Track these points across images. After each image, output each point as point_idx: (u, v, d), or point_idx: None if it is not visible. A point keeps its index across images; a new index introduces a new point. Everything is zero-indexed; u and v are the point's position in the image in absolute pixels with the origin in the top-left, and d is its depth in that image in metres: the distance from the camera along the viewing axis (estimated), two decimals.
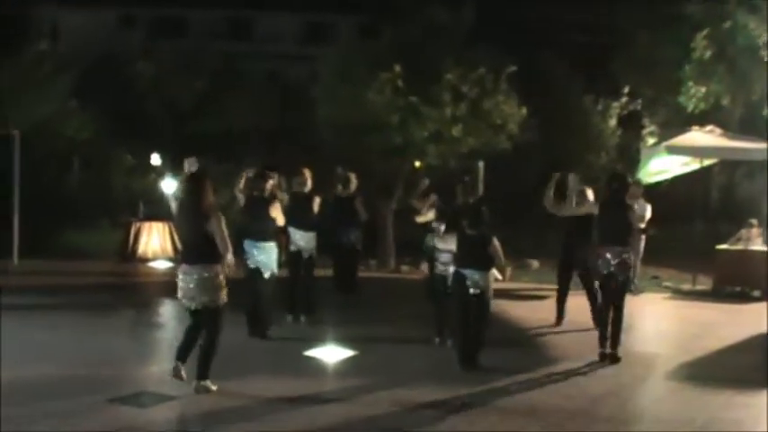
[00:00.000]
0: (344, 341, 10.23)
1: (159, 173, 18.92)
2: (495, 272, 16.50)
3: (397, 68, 17.86)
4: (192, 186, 8.15)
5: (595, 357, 9.77)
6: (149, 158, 19.73)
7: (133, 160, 22.30)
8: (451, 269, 9.56)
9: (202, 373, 7.98)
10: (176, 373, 8.01)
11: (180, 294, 8.01)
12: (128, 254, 18.89)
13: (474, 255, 9.26)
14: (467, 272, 9.21)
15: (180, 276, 7.99)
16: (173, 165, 17.30)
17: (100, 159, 22.59)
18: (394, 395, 8.17)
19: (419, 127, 18.31)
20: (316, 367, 9.40)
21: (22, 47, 20.63)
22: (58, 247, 19.06)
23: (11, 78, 18.96)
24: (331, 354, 9.82)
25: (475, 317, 9.27)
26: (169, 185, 16.62)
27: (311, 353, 9.81)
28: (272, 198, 10.67)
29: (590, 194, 11.45)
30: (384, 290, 15.81)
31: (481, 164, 16.36)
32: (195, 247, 7.97)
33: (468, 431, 7.16)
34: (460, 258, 9.37)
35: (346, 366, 9.47)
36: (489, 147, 18.69)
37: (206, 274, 7.88)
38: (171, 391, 7.98)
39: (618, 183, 10.08)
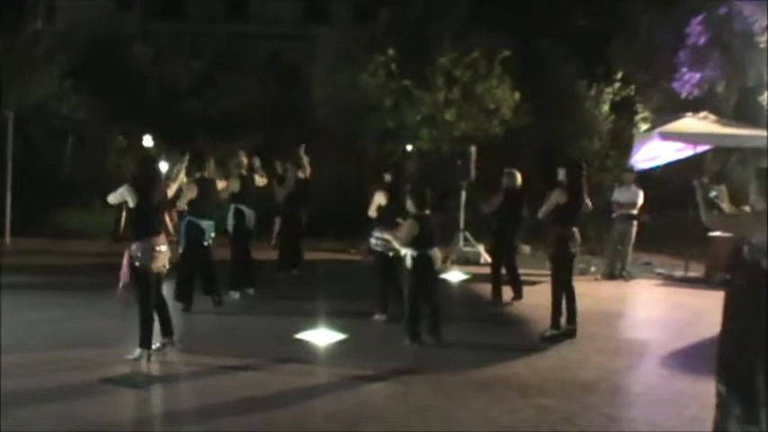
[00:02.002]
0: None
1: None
2: (485, 254, 16.65)
3: (391, 52, 17.82)
4: (145, 169, 8.63)
5: (590, 341, 9.83)
6: (142, 140, 19.71)
7: (125, 141, 22.23)
8: (410, 251, 9.53)
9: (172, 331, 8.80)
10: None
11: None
12: (120, 234, 18.84)
13: (434, 236, 9.61)
14: (432, 252, 9.51)
15: (141, 252, 8.35)
16: (168, 146, 17.25)
17: (93, 140, 22.50)
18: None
19: (412, 110, 18.29)
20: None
21: (18, 26, 20.49)
22: (50, 226, 19.02)
23: (6, 58, 18.83)
24: (322, 334, 9.85)
25: (439, 294, 9.84)
26: (162, 167, 16.54)
27: (304, 335, 9.83)
28: (214, 177, 11.40)
29: (518, 176, 12.56)
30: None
31: (473, 148, 16.31)
32: (150, 223, 8.50)
33: (465, 414, 7.16)
34: (423, 240, 9.48)
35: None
36: (482, 131, 18.67)
37: (158, 247, 8.45)
38: (164, 371, 8.05)
39: (579, 169, 10.36)
